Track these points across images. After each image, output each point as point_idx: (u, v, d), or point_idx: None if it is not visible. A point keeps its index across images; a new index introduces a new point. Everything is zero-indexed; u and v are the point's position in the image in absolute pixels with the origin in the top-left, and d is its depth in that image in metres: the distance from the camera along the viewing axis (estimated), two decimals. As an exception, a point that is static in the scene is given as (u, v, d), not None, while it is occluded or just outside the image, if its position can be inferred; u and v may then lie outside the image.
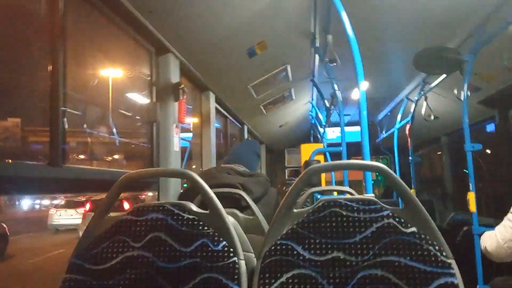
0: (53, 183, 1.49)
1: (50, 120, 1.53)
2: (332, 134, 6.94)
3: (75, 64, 2.17)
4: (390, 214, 1.10)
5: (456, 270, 1.04)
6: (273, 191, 2.30)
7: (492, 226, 3.27)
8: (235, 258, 1.11)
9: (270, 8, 2.47)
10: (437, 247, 1.06)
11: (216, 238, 1.14)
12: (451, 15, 2.85)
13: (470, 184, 3.15)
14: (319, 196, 3.45)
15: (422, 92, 4.42)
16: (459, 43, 3.21)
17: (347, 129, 6.61)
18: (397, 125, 5.55)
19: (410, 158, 5.27)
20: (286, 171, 9.42)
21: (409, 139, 5.23)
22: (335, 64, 3.01)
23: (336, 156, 5.20)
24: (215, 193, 2.12)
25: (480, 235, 3.11)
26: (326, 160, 4.97)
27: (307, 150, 4.09)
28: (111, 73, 2.66)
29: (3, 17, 1.59)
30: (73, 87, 2.10)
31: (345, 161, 1.18)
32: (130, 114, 2.90)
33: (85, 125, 2.61)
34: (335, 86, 3.41)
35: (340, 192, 3.10)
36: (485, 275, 3.10)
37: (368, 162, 1.16)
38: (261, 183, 2.23)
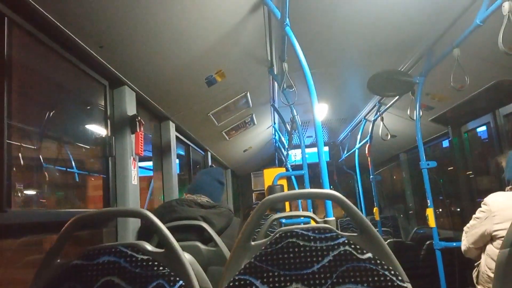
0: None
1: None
2: (295, 156, 7.02)
3: (29, 98, 2.11)
4: (346, 241, 1.11)
5: None
6: (236, 221, 2.28)
7: (453, 240, 3.38)
8: None
9: (226, 37, 2.51)
10: (392, 272, 1.07)
11: (172, 278, 1.10)
12: (402, 40, 3.00)
13: (428, 200, 3.25)
14: (284, 221, 3.46)
15: (379, 113, 4.57)
16: (410, 66, 3.37)
17: (311, 150, 6.73)
18: (358, 145, 5.69)
19: (371, 176, 5.39)
20: (253, 194, 9.41)
21: (368, 158, 5.37)
22: (292, 89, 3.07)
23: (301, 177, 5.25)
24: (176, 226, 2.08)
25: (441, 249, 3.20)
26: (290, 183, 5.00)
27: (270, 175, 4.09)
28: (64, 106, 2.59)
29: None
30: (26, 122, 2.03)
31: (298, 191, 1.18)
32: (88, 147, 2.83)
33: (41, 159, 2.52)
34: (294, 111, 3.47)
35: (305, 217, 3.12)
36: (448, 287, 3.17)
37: (320, 191, 1.17)
38: (223, 215, 2.21)
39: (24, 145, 2.02)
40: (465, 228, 2.52)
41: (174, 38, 2.27)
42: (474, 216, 2.42)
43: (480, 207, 2.38)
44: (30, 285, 1.13)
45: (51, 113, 2.14)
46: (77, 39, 1.82)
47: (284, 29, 2.28)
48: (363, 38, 2.97)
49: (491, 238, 2.31)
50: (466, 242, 2.47)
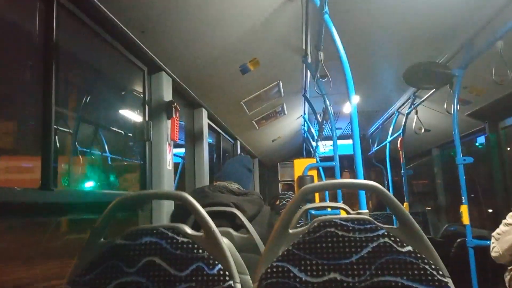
0: (45, 207, 1.46)
1: (42, 142, 1.51)
2: (325, 147, 6.96)
3: (68, 82, 2.17)
4: (386, 233, 1.10)
5: None
6: (266, 209, 2.29)
7: (486, 239, 3.29)
8: (231, 282, 1.10)
9: (262, 26, 2.50)
10: (433, 266, 1.05)
11: (211, 262, 1.12)
12: (441, 31, 2.90)
13: (463, 197, 3.17)
14: (313, 212, 3.44)
15: (413, 106, 4.47)
16: (448, 58, 3.26)
17: (339, 142, 6.64)
18: (389, 138, 5.58)
19: (402, 171, 5.29)
20: (280, 184, 9.40)
21: (400, 152, 5.27)
22: (326, 79, 3.04)
23: (329, 170, 5.21)
24: (208, 211, 2.11)
25: (474, 247, 3.12)
26: (319, 174, 4.98)
27: (300, 165, 4.07)
28: (104, 91, 2.66)
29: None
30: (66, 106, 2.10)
31: (339, 181, 1.17)
32: (122, 132, 2.89)
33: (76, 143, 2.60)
34: (327, 102, 3.44)
35: (335, 208, 3.10)
36: (481, 286, 3.10)
37: (362, 181, 1.15)
38: (254, 202, 2.22)
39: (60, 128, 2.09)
40: (494, 234, 2.44)
41: (212, 26, 2.28)
42: (504, 221, 2.34)
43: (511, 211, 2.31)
44: (75, 262, 1.17)
45: (92, 97, 2.19)
46: (120, 23, 1.85)
47: (323, 17, 2.25)
48: (401, 28, 2.89)
49: None
50: (498, 248, 2.39)
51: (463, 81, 3.21)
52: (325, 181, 1.17)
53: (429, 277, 1.04)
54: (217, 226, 2.06)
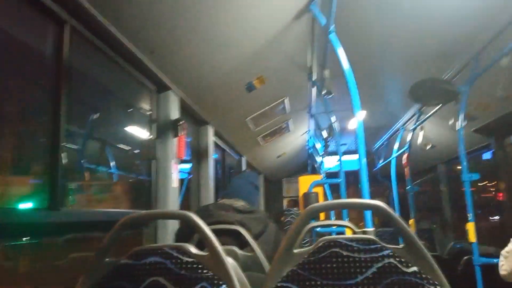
0: (53, 227, 1.47)
1: (50, 161, 1.52)
2: (330, 163, 6.94)
3: (78, 100, 2.19)
4: (391, 253, 1.09)
5: None
6: (272, 227, 2.27)
7: (493, 256, 3.24)
8: None
9: (268, 45, 2.53)
10: (438, 287, 1.05)
11: (215, 282, 1.12)
12: (446, 48, 2.92)
13: (469, 215, 3.14)
14: (318, 229, 3.43)
15: (418, 122, 4.46)
16: (454, 74, 3.27)
17: (344, 158, 6.63)
18: (394, 154, 5.56)
19: (408, 187, 5.25)
20: (285, 200, 9.35)
21: (406, 168, 5.24)
22: (331, 96, 3.06)
23: (334, 186, 5.18)
24: (213, 229, 2.10)
25: (481, 265, 3.08)
26: (324, 191, 4.96)
27: (305, 182, 4.08)
28: (112, 109, 2.69)
29: (11, 58, 1.61)
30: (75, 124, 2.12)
31: (344, 201, 1.17)
32: (128, 149, 2.91)
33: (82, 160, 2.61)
34: (333, 118, 3.45)
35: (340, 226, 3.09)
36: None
37: (367, 201, 1.15)
38: (260, 220, 2.20)
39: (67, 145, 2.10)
40: (503, 253, 2.42)
41: (219, 45, 2.32)
42: None
43: None
44: (79, 282, 1.17)
45: (101, 115, 2.21)
46: (129, 44, 1.89)
47: (329, 36, 2.27)
48: (406, 45, 2.92)
49: None
50: (507, 267, 2.37)
51: (469, 97, 3.21)
52: (330, 201, 1.17)
53: None
54: (222, 244, 2.05)
